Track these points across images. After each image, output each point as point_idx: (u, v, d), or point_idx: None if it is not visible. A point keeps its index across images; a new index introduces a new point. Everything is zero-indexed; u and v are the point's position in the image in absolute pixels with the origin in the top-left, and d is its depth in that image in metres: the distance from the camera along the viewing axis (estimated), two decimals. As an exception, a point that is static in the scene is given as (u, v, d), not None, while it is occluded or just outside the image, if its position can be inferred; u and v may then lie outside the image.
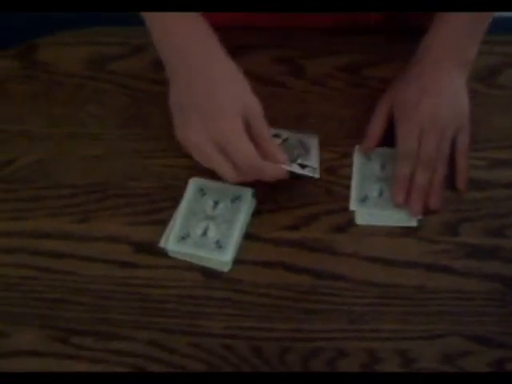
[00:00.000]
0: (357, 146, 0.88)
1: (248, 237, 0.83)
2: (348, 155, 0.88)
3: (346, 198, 0.85)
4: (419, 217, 0.84)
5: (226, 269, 0.81)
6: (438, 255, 0.82)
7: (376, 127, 0.88)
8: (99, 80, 0.95)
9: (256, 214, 0.85)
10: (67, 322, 0.79)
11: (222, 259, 0.80)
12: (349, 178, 0.87)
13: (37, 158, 0.89)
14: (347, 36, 0.96)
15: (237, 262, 0.82)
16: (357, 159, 0.88)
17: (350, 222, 0.84)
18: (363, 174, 0.87)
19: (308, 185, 0.86)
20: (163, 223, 0.83)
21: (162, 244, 0.82)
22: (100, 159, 0.89)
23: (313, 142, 0.88)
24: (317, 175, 0.85)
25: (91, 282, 0.81)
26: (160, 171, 0.88)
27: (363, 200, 0.85)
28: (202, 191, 0.84)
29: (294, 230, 0.84)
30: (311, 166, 0.85)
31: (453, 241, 0.83)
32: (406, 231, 0.84)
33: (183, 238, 0.81)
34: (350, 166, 0.88)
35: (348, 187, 0.86)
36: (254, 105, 0.80)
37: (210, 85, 0.80)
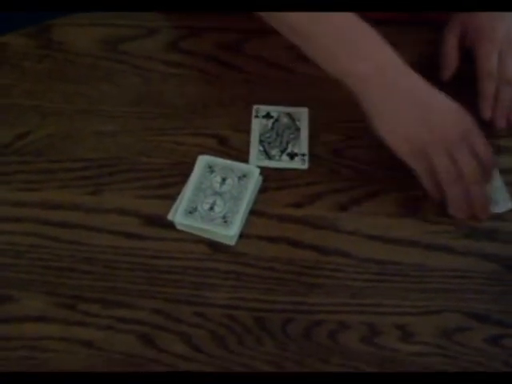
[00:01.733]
0: None
1: (254, 213, 0.86)
2: (353, 137, 0.91)
3: (350, 178, 0.88)
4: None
5: (231, 242, 0.84)
6: (437, 235, 0.85)
7: (452, 55, 0.92)
8: (112, 60, 0.97)
9: (262, 191, 0.87)
10: (74, 290, 0.81)
11: (228, 233, 0.82)
12: (353, 159, 0.89)
13: (49, 132, 0.91)
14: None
15: (242, 236, 0.84)
16: None
17: (353, 201, 0.86)
18: None
19: (313, 165, 0.89)
20: (172, 198, 0.85)
21: (170, 217, 0.84)
22: (112, 135, 0.91)
23: (303, 116, 0.92)
24: (305, 166, 0.89)
25: (99, 252, 0.83)
26: (171, 148, 0.90)
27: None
28: (210, 168, 0.86)
29: (299, 207, 0.86)
30: (301, 153, 0.89)
31: (451, 222, 0.85)
32: (406, 212, 0.86)
33: (191, 212, 0.83)
34: (356, 147, 0.90)
35: (352, 168, 0.89)
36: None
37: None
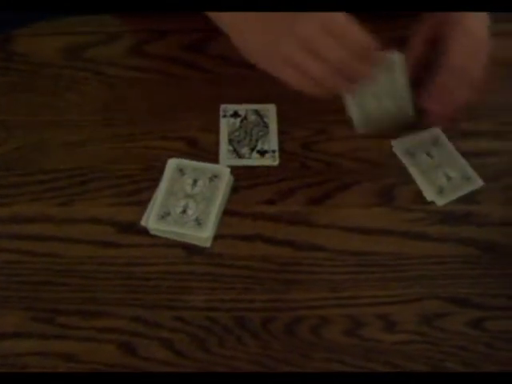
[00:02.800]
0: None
1: (227, 213, 0.85)
2: (322, 131, 0.91)
3: (321, 172, 0.88)
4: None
5: (206, 244, 0.83)
6: (412, 223, 0.85)
7: (418, 43, 0.89)
8: (76, 68, 0.96)
9: (234, 190, 0.87)
10: (52, 303, 0.80)
11: (202, 235, 0.82)
12: (324, 152, 0.89)
13: (16, 145, 0.90)
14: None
15: (217, 237, 0.84)
16: None
17: (326, 195, 0.86)
18: None
19: (283, 160, 0.88)
20: (145, 203, 0.85)
21: (143, 223, 0.84)
22: (81, 144, 0.90)
23: (271, 112, 0.92)
24: (275, 162, 0.88)
25: (75, 263, 0.82)
26: (140, 153, 0.90)
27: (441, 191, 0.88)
28: (181, 171, 0.85)
29: (272, 204, 0.86)
30: (271, 149, 0.89)
31: (426, 209, 0.86)
32: (380, 201, 0.86)
33: (163, 216, 0.83)
34: (325, 141, 0.90)
35: (323, 161, 0.89)
36: None
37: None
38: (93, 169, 0.88)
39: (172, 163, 0.86)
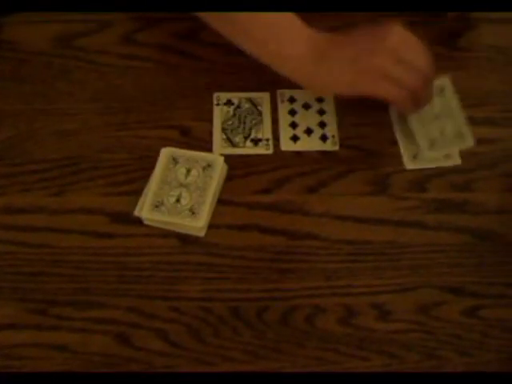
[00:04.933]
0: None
1: (222, 202, 0.85)
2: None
3: (316, 160, 0.87)
4: None
5: (200, 234, 0.83)
6: (408, 211, 0.84)
7: None
8: (67, 57, 0.95)
9: (228, 179, 0.86)
10: (46, 294, 0.80)
11: (196, 225, 0.81)
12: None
13: (8, 135, 0.89)
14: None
15: (212, 226, 0.83)
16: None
17: (321, 183, 0.86)
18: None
19: (278, 149, 0.88)
20: (138, 193, 0.84)
21: (136, 213, 0.83)
22: (72, 133, 0.89)
23: (265, 101, 0.91)
24: (269, 151, 0.88)
25: (68, 254, 0.82)
26: (133, 143, 0.89)
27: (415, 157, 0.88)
28: (174, 160, 0.85)
29: (267, 193, 0.85)
30: (265, 138, 0.88)
31: (421, 197, 0.85)
32: (375, 190, 0.86)
33: (157, 206, 0.82)
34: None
35: (317, 150, 0.88)
36: None
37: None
38: (85, 158, 0.88)
39: (165, 152, 0.85)
